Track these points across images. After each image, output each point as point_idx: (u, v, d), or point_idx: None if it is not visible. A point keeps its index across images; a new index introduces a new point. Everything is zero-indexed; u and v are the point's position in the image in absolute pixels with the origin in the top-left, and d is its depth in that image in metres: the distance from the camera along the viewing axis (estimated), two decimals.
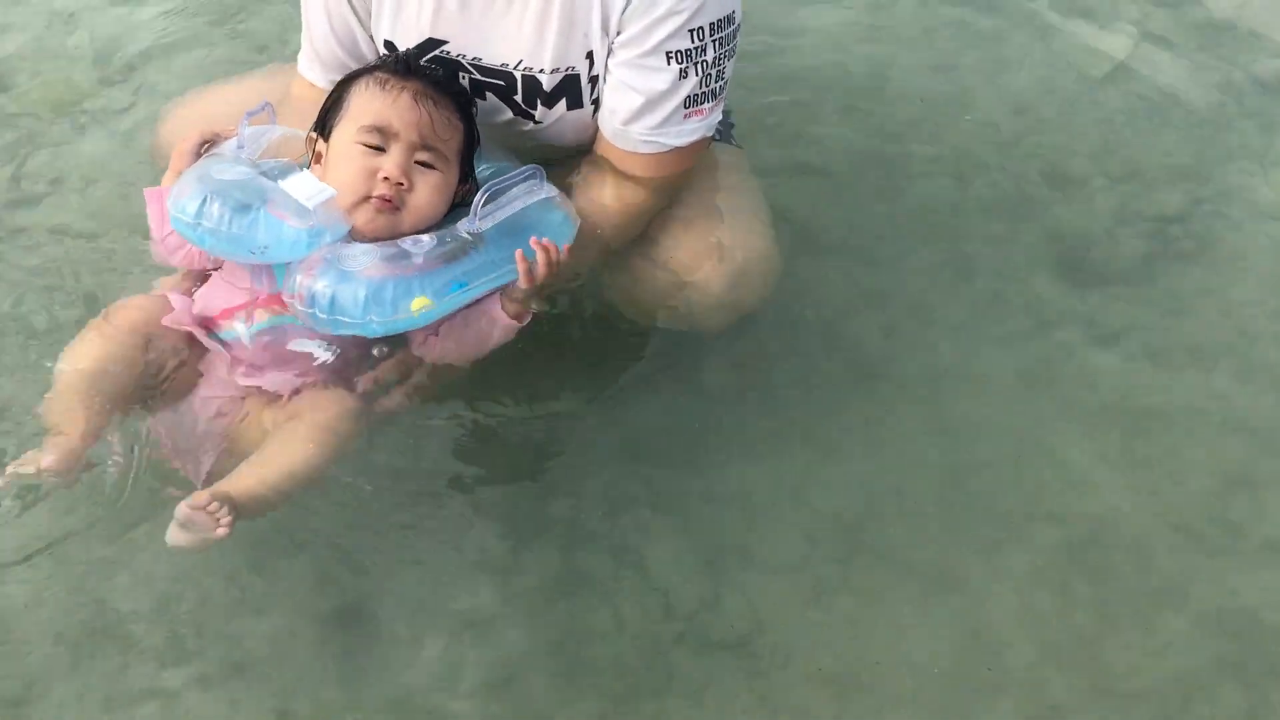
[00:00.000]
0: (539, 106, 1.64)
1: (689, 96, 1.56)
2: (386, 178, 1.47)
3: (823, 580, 1.70)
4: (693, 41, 1.52)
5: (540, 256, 1.47)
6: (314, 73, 1.69)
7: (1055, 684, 1.60)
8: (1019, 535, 1.75)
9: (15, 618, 1.61)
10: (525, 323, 1.55)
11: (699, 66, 1.54)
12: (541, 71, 1.59)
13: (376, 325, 1.43)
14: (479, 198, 1.48)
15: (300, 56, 1.71)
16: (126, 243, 1.99)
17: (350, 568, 1.68)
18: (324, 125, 1.54)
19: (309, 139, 1.57)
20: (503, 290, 1.52)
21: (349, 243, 1.46)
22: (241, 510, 1.39)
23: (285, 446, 1.49)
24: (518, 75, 1.60)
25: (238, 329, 1.53)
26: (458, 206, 1.55)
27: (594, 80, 1.60)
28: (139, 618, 1.62)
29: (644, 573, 1.70)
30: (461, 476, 1.79)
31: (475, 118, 1.60)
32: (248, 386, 1.56)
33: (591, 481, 1.79)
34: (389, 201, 1.47)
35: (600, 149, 1.65)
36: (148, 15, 2.52)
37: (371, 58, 1.65)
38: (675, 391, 1.90)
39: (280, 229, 1.42)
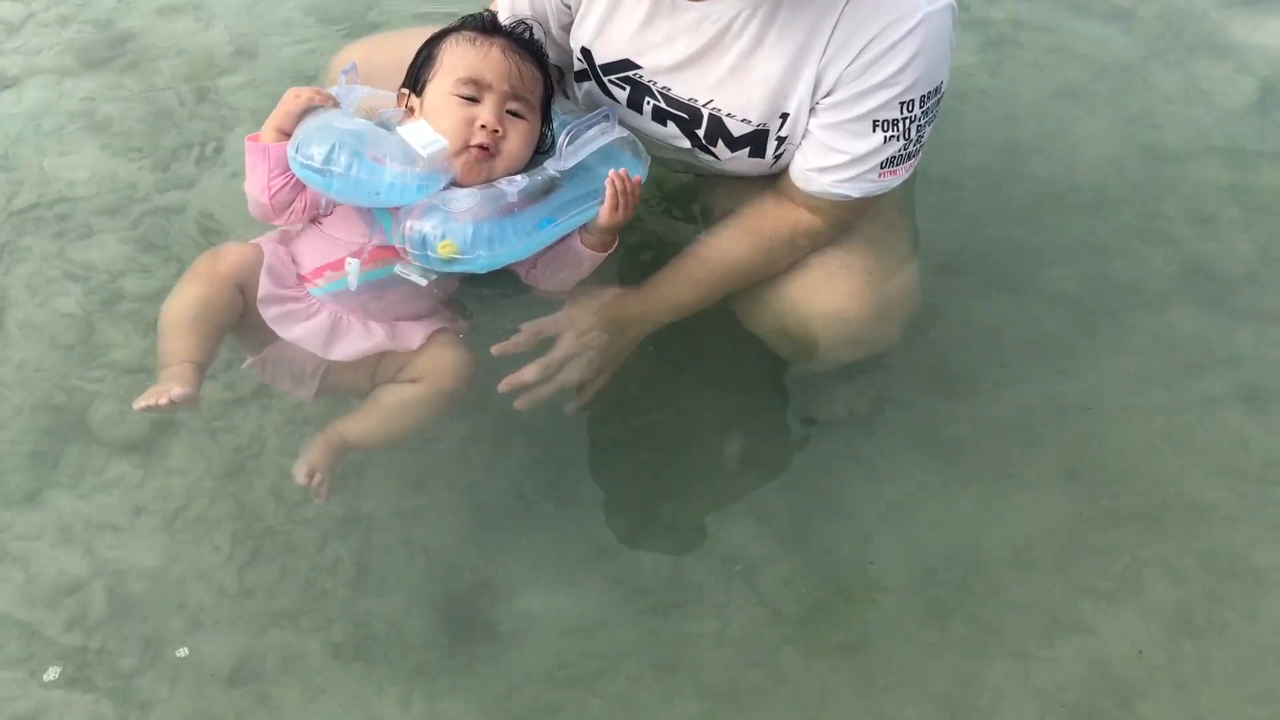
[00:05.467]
0: (720, 146, 1.65)
1: (887, 159, 1.56)
2: (484, 125, 1.54)
3: (939, 604, 1.69)
4: (902, 112, 1.52)
5: (619, 186, 1.54)
6: (502, 16, 1.72)
7: None
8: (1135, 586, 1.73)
9: (146, 576, 1.68)
10: (610, 252, 1.62)
11: (904, 134, 1.54)
12: (730, 117, 1.60)
13: (483, 260, 1.51)
14: (563, 139, 1.56)
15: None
16: None
17: (470, 556, 1.72)
18: (415, 81, 1.61)
19: (400, 94, 1.63)
20: (583, 226, 1.60)
21: (450, 189, 1.54)
22: (353, 450, 1.61)
23: (402, 408, 1.60)
24: (705, 113, 1.62)
25: (350, 272, 1.57)
26: (537, 153, 1.63)
27: (781, 140, 1.60)
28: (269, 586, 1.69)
29: (752, 582, 1.71)
30: (582, 474, 1.83)
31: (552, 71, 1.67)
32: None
33: (705, 489, 1.82)
34: (486, 150, 1.55)
35: (785, 181, 1.65)
36: None
37: (549, 49, 1.71)
38: (797, 411, 1.92)
39: (396, 176, 1.49)
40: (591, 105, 1.72)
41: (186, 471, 1.79)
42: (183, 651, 1.61)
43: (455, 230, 1.48)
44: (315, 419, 1.82)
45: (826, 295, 1.63)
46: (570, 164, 1.56)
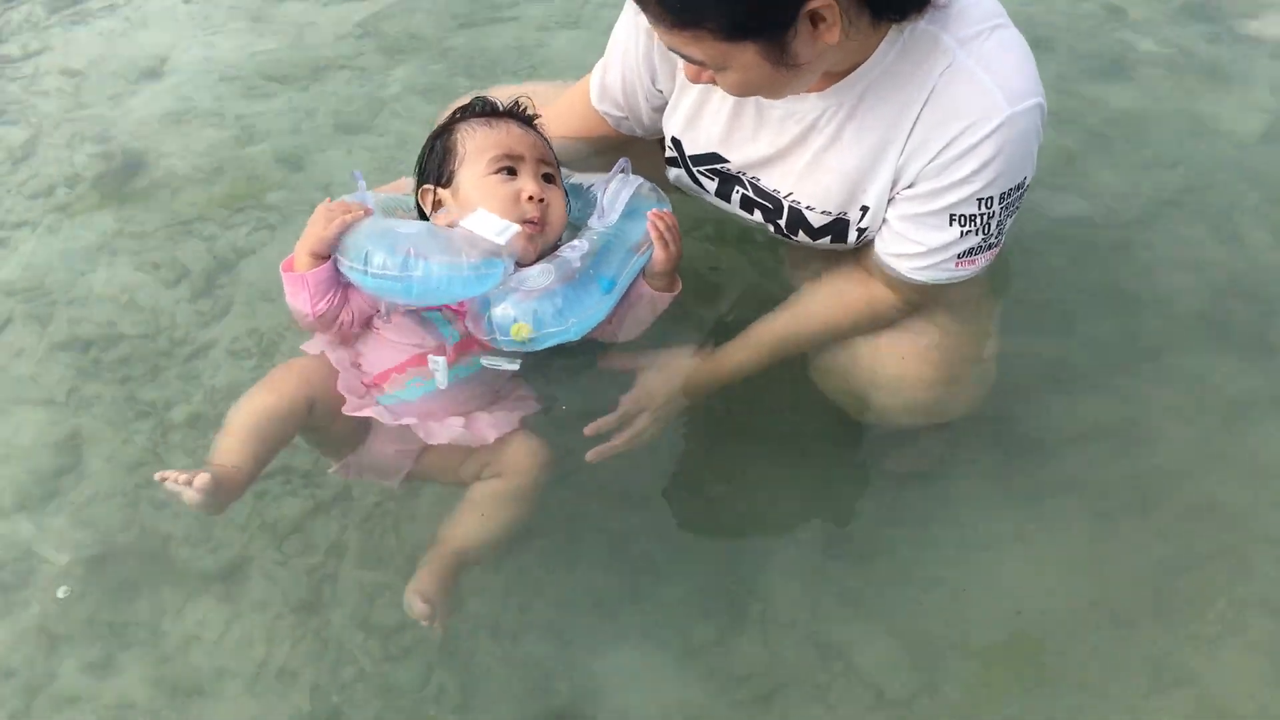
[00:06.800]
0: (800, 235, 1.67)
1: (965, 250, 1.55)
2: (530, 196, 1.56)
3: (1044, 672, 1.68)
4: (980, 208, 1.50)
5: (661, 225, 1.60)
6: (594, 92, 1.77)
7: None
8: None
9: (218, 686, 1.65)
10: (678, 291, 1.67)
11: (981, 229, 1.53)
12: (810, 209, 1.62)
13: (574, 329, 1.54)
14: (601, 195, 1.62)
15: (594, 73, 1.76)
16: None
17: (563, 663, 1.70)
18: (439, 175, 1.62)
19: (424, 191, 1.63)
20: (644, 273, 1.64)
21: (517, 270, 1.54)
22: (466, 562, 1.61)
23: (496, 503, 1.62)
24: (785, 204, 1.64)
25: (437, 375, 1.56)
26: None
27: (861, 231, 1.62)
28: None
29: (850, 662, 1.69)
30: (663, 565, 1.80)
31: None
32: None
33: (791, 572, 1.79)
34: (537, 225, 1.56)
35: (866, 256, 1.66)
36: None
37: (638, 127, 1.76)
38: (871, 483, 1.90)
39: (472, 269, 1.48)
40: (685, 191, 1.78)
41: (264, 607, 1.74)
42: None
43: (542, 307, 1.51)
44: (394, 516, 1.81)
45: (894, 366, 1.65)
46: (614, 217, 1.60)
